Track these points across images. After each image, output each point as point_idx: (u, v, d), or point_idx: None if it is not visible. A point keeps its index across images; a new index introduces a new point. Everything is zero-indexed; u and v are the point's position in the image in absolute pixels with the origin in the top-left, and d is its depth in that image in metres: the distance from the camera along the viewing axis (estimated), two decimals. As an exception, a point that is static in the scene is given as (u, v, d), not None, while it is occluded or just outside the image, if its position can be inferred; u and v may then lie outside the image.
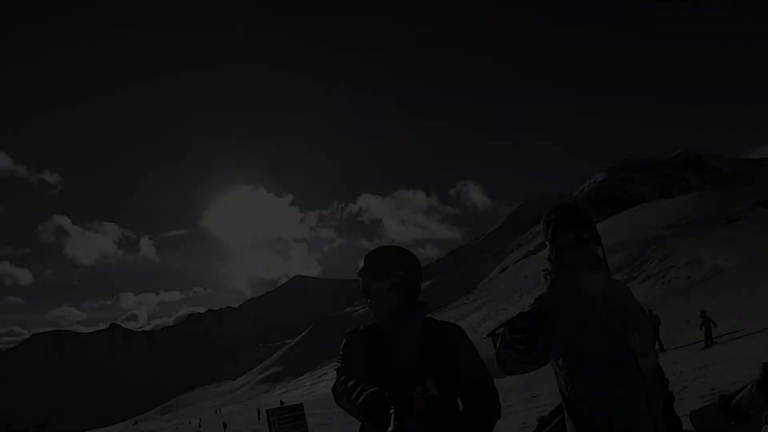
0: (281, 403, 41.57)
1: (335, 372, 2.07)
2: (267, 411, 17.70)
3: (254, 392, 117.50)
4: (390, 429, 1.54)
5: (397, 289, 2.16)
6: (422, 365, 2.02)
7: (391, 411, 1.57)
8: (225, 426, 33.89)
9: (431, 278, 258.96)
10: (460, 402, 2.08)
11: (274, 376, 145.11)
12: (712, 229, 48.91)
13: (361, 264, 2.26)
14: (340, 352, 2.13)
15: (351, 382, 1.86)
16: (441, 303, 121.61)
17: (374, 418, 1.64)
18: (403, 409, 1.59)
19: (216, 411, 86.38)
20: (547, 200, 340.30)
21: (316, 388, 61.10)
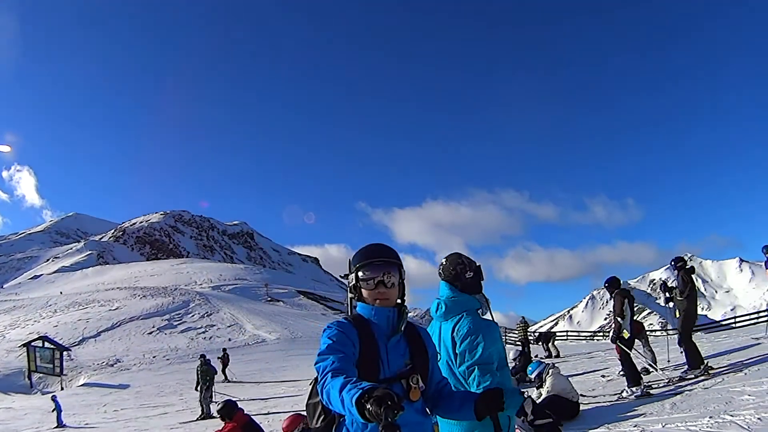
0: None
1: (317, 368, 1.99)
2: None
3: None
4: (382, 425, 1.57)
5: (400, 288, 2.27)
6: (410, 360, 2.15)
7: (382, 408, 1.57)
8: None
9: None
10: (436, 393, 2.28)
11: None
12: (255, 303, 55.54)
13: (371, 253, 2.25)
14: (330, 341, 2.06)
15: (341, 377, 1.82)
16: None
17: (366, 414, 1.62)
18: (395, 406, 1.58)
19: None
20: (96, 221, 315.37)
21: None
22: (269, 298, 59.10)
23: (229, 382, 22.77)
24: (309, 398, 2.30)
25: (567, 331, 37.82)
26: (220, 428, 7.89)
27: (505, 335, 29.58)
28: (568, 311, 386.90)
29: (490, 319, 3.18)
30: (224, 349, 24.51)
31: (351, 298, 2.35)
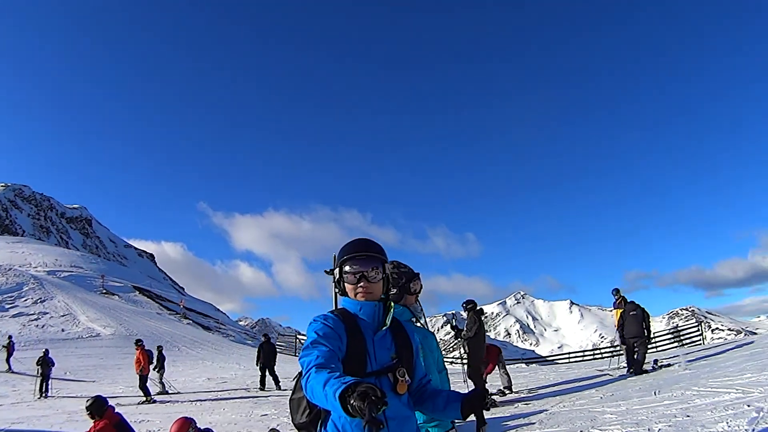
0: None
1: (301, 362, 1.94)
2: None
3: None
4: (366, 420, 1.56)
5: (385, 282, 2.26)
6: (395, 354, 2.16)
7: (366, 403, 1.56)
8: None
9: None
10: (419, 389, 2.28)
11: None
12: (90, 294, 50.63)
13: (356, 247, 2.25)
14: (316, 335, 2.02)
15: (324, 372, 1.80)
16: None
17: (349, 409, 1.60)
18: (379, 401, 1.57)
19: None
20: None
21: None
22: (104, 291, 54.06)
23: (12, 372, 21.49)
24: (293, 393, 2.25)
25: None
26: (89, 428, 7.05)
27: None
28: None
29: (425, 328, 3.45)
30: (10, 336, 23.22)
31: (336, 293, 2.32)
